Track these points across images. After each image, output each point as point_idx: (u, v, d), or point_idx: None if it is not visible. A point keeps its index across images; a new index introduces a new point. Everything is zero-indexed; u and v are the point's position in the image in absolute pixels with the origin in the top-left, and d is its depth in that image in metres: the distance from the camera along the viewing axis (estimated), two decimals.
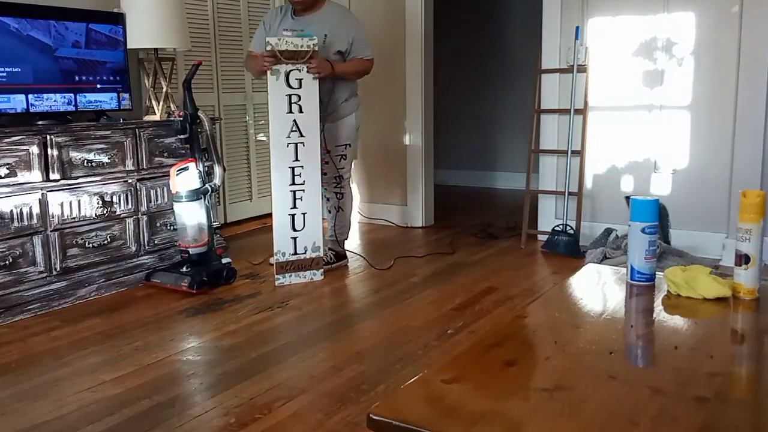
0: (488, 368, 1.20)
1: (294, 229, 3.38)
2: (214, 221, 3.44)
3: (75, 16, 3.26)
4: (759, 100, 3.51)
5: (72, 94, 3.27)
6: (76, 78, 3.28)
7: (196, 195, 3.32)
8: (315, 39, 3.31)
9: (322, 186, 3.49)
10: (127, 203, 3.38)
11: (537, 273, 3.63)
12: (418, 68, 4.58)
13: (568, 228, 3.94)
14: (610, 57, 3.93)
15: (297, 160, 3.35)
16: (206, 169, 3.41)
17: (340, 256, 3.74)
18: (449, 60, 6.54)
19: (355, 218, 4.95)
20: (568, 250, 3.88)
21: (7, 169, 2.89)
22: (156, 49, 3.73)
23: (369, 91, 4.82)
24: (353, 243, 4.31)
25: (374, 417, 1.03)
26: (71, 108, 3.27)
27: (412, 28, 4.57)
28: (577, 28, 3.95)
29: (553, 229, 4.00)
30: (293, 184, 3.36)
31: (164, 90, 3.74)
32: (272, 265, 3.42)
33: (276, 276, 3.37)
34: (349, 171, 3.73)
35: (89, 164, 3.20)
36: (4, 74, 3.01)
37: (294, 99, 3.31)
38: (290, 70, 3.29)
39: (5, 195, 2.89)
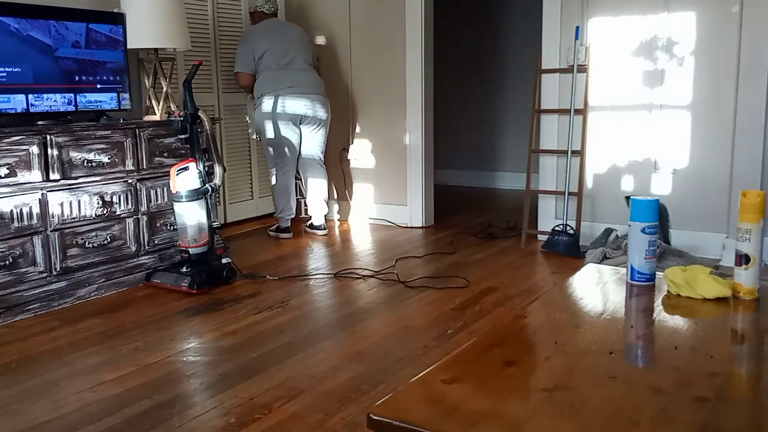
0: (488, 368, 1.20)
1: None
2: (215, 221, 3.44)
3: (75, 16, 3.26)
4: (759, 100, 3.51)
5: (72, 94, 3.27)
6: (76, 78, 3.28)
7: (196, 195, 3.32)
8: None
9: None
10: (127, 203, 3.38)
11: (537, 273, 3.63)
12: (418, 68, 4.58)
13: (568, 228, 3.94)
14: (611, 57, 3.93)
15: None
16: (206, 169, 3.41)
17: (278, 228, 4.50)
18: (449, 60, 6.54)
19: (356, 218, 4.96)
20: (568, 250, 3.88)
21: (7, 169, 2.89)
22: (156, 49, 3.73)
23: (369, 91, 4.83)
24: (354, 242, 4.31)
25: (374, 417, 1.03)
26: (71, 108, 3.27)
27: (412, 27, 4.56)
28: (577, 28, 3.95)
29: (553, 229, 4.00)
30: None
31: (164, 90, 3.74)
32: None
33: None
34: (269, 160, 4.41)
35: (89, 164, 3.20)
36: (4, 74, 3.01)
37: None
38: None
39: (5, 195, 2.89)
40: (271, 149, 4.35)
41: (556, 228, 3.98)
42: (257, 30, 4.34)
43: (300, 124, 4.32)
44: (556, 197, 4.22)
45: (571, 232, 3.92)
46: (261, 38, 4.27)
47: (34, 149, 2.98)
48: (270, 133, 4.29)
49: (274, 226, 4.52)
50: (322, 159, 4.52)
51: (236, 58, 4.35)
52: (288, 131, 4.29)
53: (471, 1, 6.51)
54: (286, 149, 4.33)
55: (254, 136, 4.67)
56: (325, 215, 4.60)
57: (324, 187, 4.53)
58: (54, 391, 2.26)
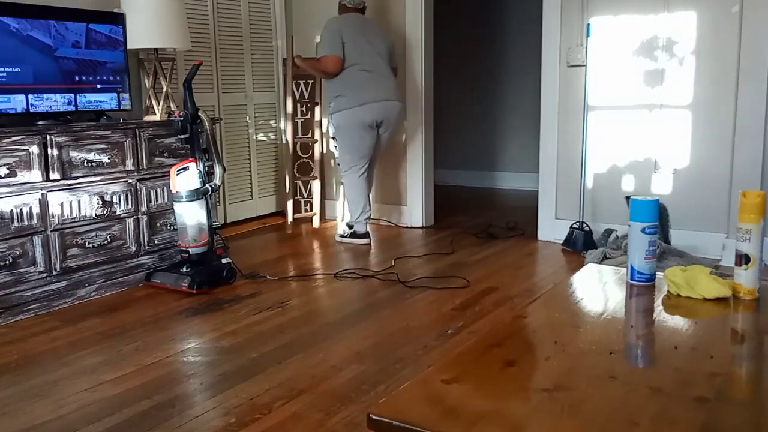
0: (488, 368, 1.20)
1: None
2: (215, 221, 3.44)
3: (75, 16, 3.26)
4: (759, 100, 3.51)
5: (72, 94, 3.27)
6: (76, 78, 3.28)
7: (196, 195, 3.32)
8: None
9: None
10: (127, 203, 3.38)
11: (537, 273, 3.63)
12: (419, 68, 4.58)
13: (584, 226, 3.94)
14: (611, 56, 3.93)
15: None
16: (206, 169, 3.41)
17: (353, 234, 4.26)
18: (449, 59, 6.54)
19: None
20: (585, 246, 3.88)
21: (7, 169, 2.89)
22: (156, 49, 3.73)
23: None
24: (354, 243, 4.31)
25: (374, 417, 1.03)
26: (71, 108, 3.27)
27: (412, 27, 4.56)
28: (588, 25, 3.95)
29: (571, 227, 3.99)
30: None
31: (164, 90, 3.75)
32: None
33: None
34: (344, 163, 4.20)
35: (89, 164, 3.20)
36: (5, 74, 3.01)
37: None
38: None
39: (5, 195, 2.89)
40: (346, 155, 4.18)
41: (574, 225, 3.97)
42: (339, 18, 4.16)
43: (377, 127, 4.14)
44: (557, 197, 4.21)
45: (587, 229, 3.91)
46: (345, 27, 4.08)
47: (34, 149, 2.98)
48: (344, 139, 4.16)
49: (348, 232, 4.29)
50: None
51: (321, 43, 4.11)
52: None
53: (471, 1, 6.50)
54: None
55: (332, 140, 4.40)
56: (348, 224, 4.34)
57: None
58: (54, 391, 2.26)
